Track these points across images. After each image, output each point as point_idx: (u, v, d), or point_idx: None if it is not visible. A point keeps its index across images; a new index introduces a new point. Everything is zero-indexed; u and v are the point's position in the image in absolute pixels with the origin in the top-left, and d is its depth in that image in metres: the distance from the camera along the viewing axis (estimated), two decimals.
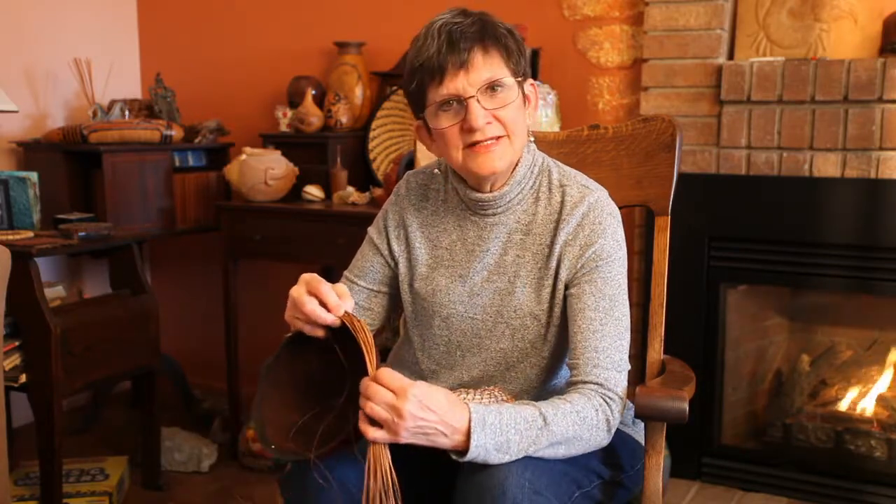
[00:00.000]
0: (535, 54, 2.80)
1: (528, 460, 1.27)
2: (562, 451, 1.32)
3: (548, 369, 1.48)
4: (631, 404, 1.50)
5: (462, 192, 1.49)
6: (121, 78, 3.44)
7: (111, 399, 3.45)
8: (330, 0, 3.24)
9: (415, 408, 1.20)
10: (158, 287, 3.47)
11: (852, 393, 2.70)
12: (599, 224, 1.44)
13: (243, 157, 2.94)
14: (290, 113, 3.09)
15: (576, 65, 2.86)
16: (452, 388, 1.48)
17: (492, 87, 1.38)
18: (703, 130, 2.61)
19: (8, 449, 2.10)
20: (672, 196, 1.65)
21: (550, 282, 1.44)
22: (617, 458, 1.46)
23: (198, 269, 3.58)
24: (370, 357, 1.24)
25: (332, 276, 3.07)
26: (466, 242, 1.50)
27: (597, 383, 1.36)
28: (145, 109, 3.24)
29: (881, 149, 2.40)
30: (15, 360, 2.41)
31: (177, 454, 2.94)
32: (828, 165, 2.47)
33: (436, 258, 1.52)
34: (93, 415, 3.31)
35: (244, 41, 3.42)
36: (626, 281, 1.45)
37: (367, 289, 1.57)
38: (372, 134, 3.05)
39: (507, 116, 1.39)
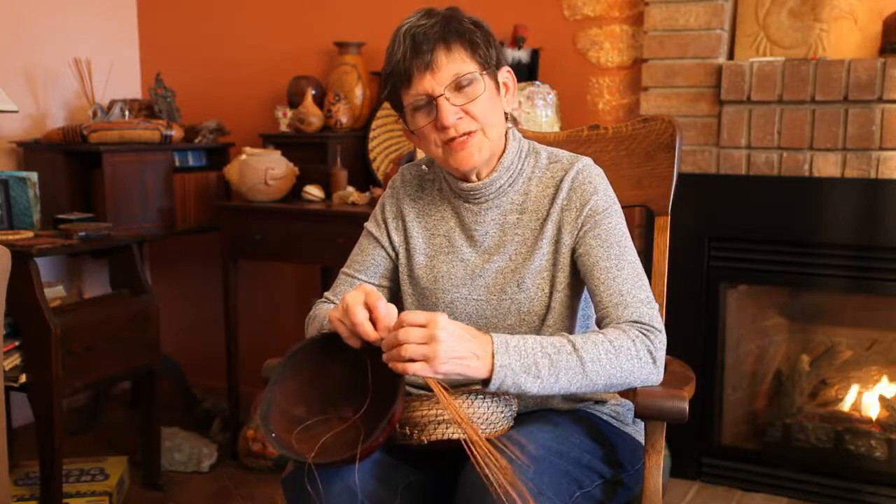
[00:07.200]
0: (536, 54, 2.81)
1: (530, 460, 1.26)
2: (601, 384, 1.30)
3: None
4: (631, 404, 1.50)
5: (453, 184, 1.53)
6: (121, 78, 3.44)
7: (111, 399, 3.45)
8: (330, 0, 3.24)
9: (447, 335, 1.21)
10: (158, 287, 3.47)
11: (852, 393, 2.70)
12: (590, 183, 1.48)
13: (243, 157, 2.94)
14: (290, 113, 3.09)
15: (576, 65, 2.86)
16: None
17: (458, 83, 1.41)
18: (703, 130, 2.61)
19: (8, 449, 2.10)
20: (672, 196, 1.65)
21: (550, 248, 1.47)
22: (618, 457, 1.46)
23: (198, 269, 3.58)
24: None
25: (332, 276, 3.08)
26: (464, 228, 1.53)
27: (630, 321, 1.37)
28: (145, 109, 3.23)
29: (881, 149, 2.40)
30: (15, 360, 2.41)
31: (177, 454, 2.94)
32: (828, 165, 2.47)
33: (434, 246, 1.54)
34: (93, 415, 3.31)
35: (244, 41, 3.42)
36: (627, 231, 1.48)
37: (369, 283, 1.58)
38: (372, 134, 3.05)
39: (478, 110, 1.42)
